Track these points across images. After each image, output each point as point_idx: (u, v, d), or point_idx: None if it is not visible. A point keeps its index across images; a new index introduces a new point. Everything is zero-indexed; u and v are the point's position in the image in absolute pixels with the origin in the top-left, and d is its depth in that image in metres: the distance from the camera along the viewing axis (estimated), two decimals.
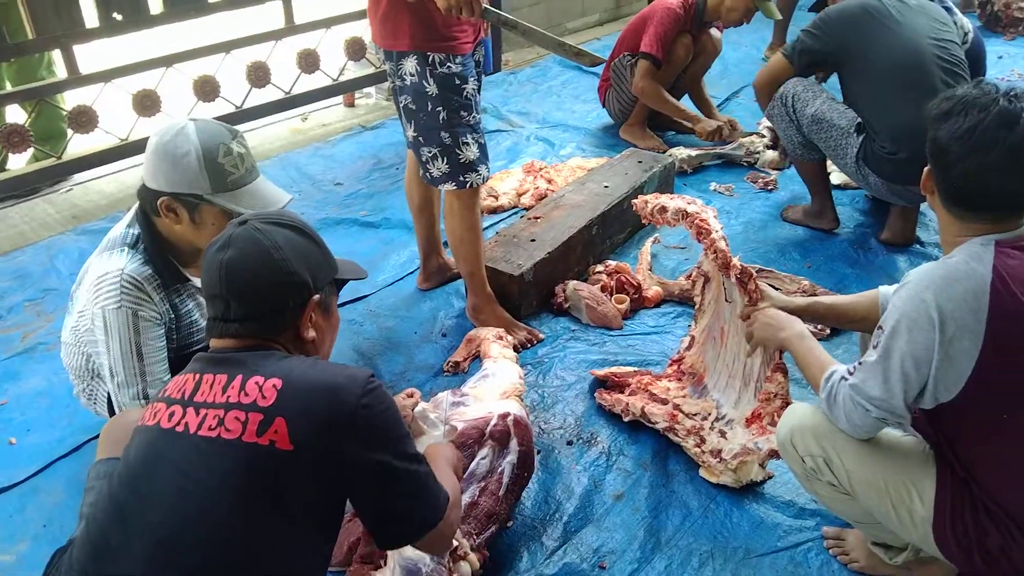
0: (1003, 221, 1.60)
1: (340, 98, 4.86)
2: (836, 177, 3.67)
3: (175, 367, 1.93)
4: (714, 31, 4.14)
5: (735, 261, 2.10)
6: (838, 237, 3.36)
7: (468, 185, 2.55)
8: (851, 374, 1.64)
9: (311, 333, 1.46)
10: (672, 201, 2.22)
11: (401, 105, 2.53)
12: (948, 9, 3.25)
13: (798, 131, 3.20)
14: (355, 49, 4.46)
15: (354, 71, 4.72)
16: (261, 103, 4.26)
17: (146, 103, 3.79)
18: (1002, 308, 1.49)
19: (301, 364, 1.37)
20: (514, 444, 1.96)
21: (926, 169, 1.69)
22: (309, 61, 4.32)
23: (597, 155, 4.16)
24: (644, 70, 3.95)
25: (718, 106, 4.61)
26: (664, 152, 3.96)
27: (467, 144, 2.50)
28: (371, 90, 4.92)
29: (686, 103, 4.15)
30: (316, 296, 1.45)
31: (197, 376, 1.37)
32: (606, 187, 3.36)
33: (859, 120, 3.04)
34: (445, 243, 2.98)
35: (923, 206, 3.26)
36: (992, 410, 1.57)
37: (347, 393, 1.32)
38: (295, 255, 1.42)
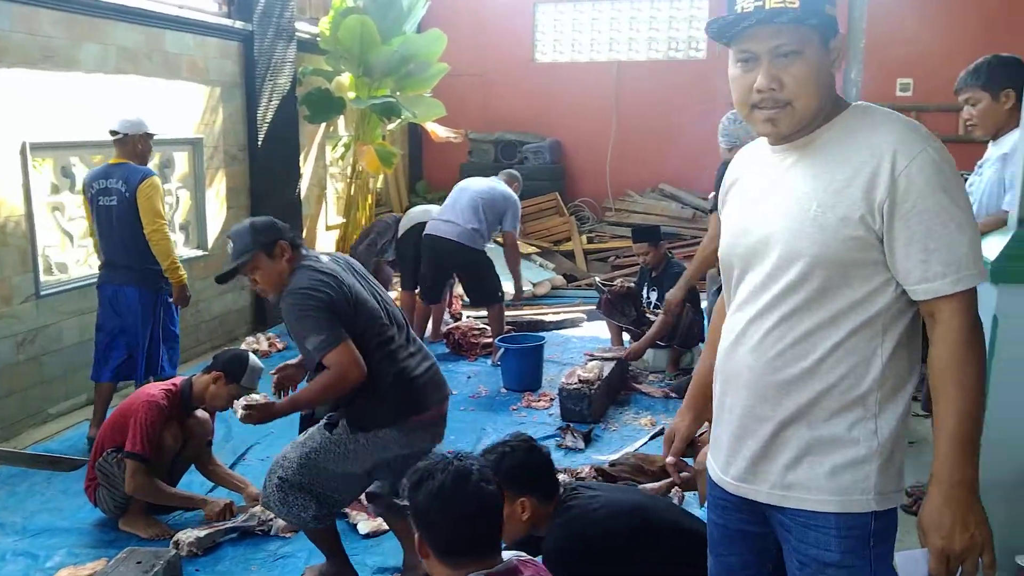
0: (488, 558, 1.90)
1: None
2: (363, 526, 3.89)
3: None
4: (200, 412, 4.19)
5: None
6: None
7: None
8: None
9: None
10: None
11: None
12: None
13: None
14: None
15: None
16: None
17: None
18: None
19: None
20: None
21: (416, 536, 1.92)
22: None
23: (94, 558, 3.71)
24: (133, 470, 3.81)
25: (230, 466, 4.58)
26: (170, 538, 3.75)
27: None
28: None
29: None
30: None
31: None
32: None
33: None
34: None
35: None
36: None
37: None
38: None
